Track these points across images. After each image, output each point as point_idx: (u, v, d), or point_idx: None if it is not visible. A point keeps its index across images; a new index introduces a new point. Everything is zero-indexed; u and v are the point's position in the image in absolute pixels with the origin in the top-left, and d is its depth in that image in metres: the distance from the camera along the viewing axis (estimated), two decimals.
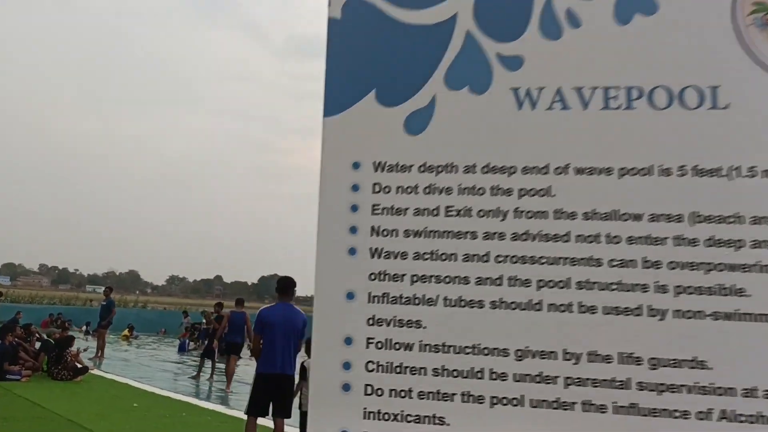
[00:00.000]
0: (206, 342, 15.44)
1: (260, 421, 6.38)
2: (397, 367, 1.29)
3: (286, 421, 6.16)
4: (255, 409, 6.16)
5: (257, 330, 6.32)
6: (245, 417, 6.26)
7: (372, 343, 1.31)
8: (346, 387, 1.30)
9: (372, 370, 1.30)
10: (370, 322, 1.31)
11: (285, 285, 6.42)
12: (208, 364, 14.44)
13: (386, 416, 1.27)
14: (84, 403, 9.56)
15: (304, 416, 6.34)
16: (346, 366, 1.31)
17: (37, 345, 13.13)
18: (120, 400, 9.92)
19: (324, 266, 1.36)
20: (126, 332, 24.89)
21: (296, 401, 6.36)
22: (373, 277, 1.33)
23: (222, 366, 14.65)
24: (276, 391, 6.07)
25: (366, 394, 1.29)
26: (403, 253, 1.33)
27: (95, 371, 13.13)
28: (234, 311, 13.68)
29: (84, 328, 25.75)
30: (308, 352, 6.69)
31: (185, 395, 11.33)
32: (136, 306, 42.93)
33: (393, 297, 1.32)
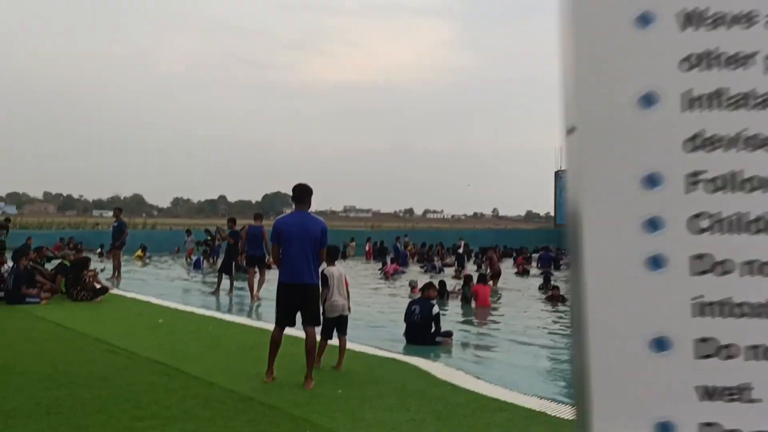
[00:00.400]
0: (222, 258, 15.27)
1: (293, 332, 6.17)
2: None
3: None
4: (280, 320, 5.93)
5: (273, 240, 6.02)
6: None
7: None
8: None
9: None
10: None
11: (301, 192, 6.05)
12: (226, 280, 14.32)
13: None
14: (108, 321, 9.40)
15: (323, 325, 6.31)
16: None
17: (52, 265, 12.94)
18: (144, 318, 9.77)
19: None
20: (139, 253, 24.86)
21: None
22: None
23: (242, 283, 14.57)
24: (299, 300, 5.83)
25: None
26: None
27: (115, 291, 13.00)
28: (252, 225, 13.50)
29: (99, 251, 25.70)
30: (329, 260, 6.40)
31: (208, 310, 11.23)
32: (145, 228, 42.99)
33: None
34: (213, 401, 5.17)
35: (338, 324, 6.62)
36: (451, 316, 11.78)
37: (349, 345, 7.68)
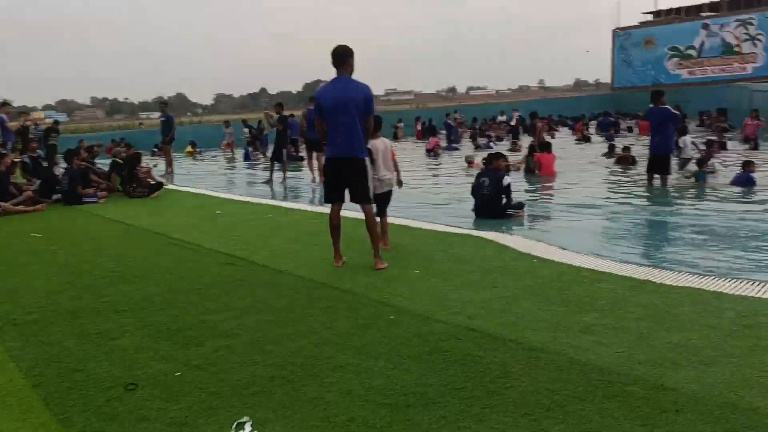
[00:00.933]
0: (273, 146, 14.82)
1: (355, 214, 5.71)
2: None
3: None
4: (327, 195, 5.47)
5: (317, 113, 5.39)
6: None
7: None
8: None
9: None
10: None
11: (338, 55, 5.24)
12: (278, 168, 13.98)
13: None
14: (167, 215, 9.23)
15: (373, 200, 5.52)
16: None
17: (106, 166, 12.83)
18: (202, 209, 9.55)
19: None
20: (189, 149, 24.79)
21: None
22: None
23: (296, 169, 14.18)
24: (347, 176, 5.29)
25: None
26: None
27: (170, 186, 12.87)
28: (310, 109, 12.90)
29: (154, 150, 25.77)
30: (377, 129, 5.71)
31: (265, 198, 10.96)
32: (192, 125, 42.91)
33: None
34: (285, 289, 4.85)
35: (385, 201, 6.07)
36: (517, 187, 11.17)
37: (418, 224, 7.29)
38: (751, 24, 30.69)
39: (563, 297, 4.28)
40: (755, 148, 15.52)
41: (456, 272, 5.10)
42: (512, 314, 3.98)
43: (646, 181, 10.47)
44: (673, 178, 10.57)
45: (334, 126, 5.23)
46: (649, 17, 37.68)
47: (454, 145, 21.06)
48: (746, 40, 30.94)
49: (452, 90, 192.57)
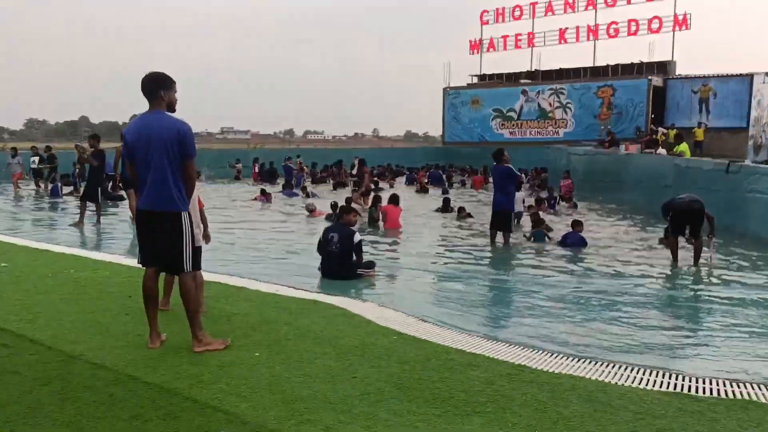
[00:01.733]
0: (86, 183, 12.81)
1: None
2: None
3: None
4: (140, 255, 4.36)
5: (125, 153, 4.26)
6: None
7: None
8: None
9: None
10: None
11: (148, 85, 4.18)
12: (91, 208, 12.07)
13: None
14: None
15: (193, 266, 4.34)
16: None
17: None
18: None
19: None
20: None
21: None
22: None
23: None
24: (158, 233, 4.20)
25: None
26: None
27: None
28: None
29: None
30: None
31: (70, 247, 9.14)
32: None
33: None
34: (76, 387, 3.59)
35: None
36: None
37: (257, 285, 6.30)
38: (562, 93, 34.27)
39: (437, 393, 3.57)
40: (574, 206, 16.58)
41: (306, 354, 4.20)
42: (381, 422, 3.17)
43: (489, 239, 10.47)
44: (513, 236, 10.66)
45: (142, 170, 4.14)
46: (476, 80, 40.63)
47: (295, 191, 20.20)
48: (558, 107, 34.43)
49: (290, 132, 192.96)
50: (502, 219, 10.14)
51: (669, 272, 8.44)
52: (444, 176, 25.42)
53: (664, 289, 7.57)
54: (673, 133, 29.19)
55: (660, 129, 29.54)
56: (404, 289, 7.16)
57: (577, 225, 10.78)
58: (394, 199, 12.57)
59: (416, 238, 11.28)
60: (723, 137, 29.69)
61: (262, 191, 17.77)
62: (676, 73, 33.59)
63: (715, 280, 7.97)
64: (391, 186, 23.60)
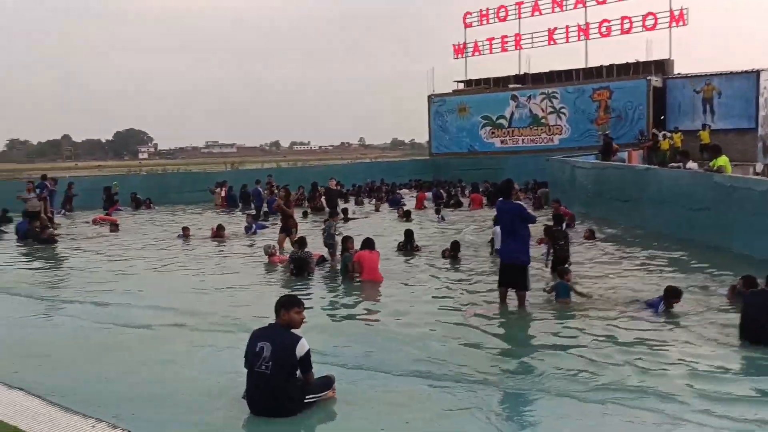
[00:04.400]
0: None
1: None
2: None
3: None
4: None
5: None
6: None
7: None
8: None
9: None
10: None
11: None
12: None
13: None
14: None
15: None
16: None
17: None
18: None
19: None
20: None
21: None
22: None
23: None
24: None
25: None
26: None
27: None
28: None
29: None
30: None
31: None
32: None
33: None
34: None
35: None
36: (325, 305, 8.01)
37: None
38: (555, 97, 31.94)
39: None
40: (591, 236, 13.04)
41: None
42: None
43: (498, 298, 7.92)
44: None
45: None
46: (461, 86, 38.27)
47: (263, 222, 17.48)
48: (551, 112, 32.09)
49: (276, 144, 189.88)
50: (515, 274, 7.62)
51: None
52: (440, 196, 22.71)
53: None
54: (678, 137, 26.93)
55: (663, 133, 27.28)
56: (389, 419, 4.53)
57: (564, 274, 8.16)
58: (369, 243, 9.98)
59: (402, 300, 8.62)
60: (730, 139, 27.42)
61: (218, 228, 15.03)
62: (675, 72, 31.41)
63: None
64: (377, 209, 20.98)
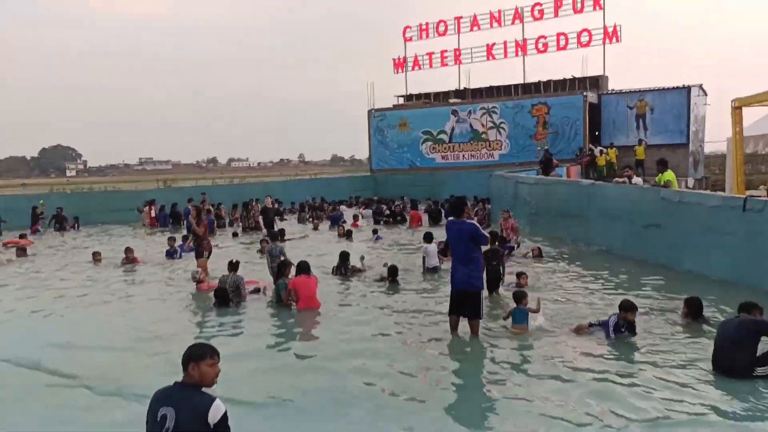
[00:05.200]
0: None
1: None
2: None
3: None
4: None
5: None
6: None
7: None
8: None
9: None
10: None
11: None
12: None
13: None
14: None
15: None
16: None
17: None
18: None
19: None
20: None
21: None
22: None
23: None
24: None
25: None
26: None
27: None
28: None
29: None
30: None
31: None
32: None
33: None
34: None
35: None
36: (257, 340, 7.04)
37: None
38: (495, 112, 31.95)
39: None
40: (539, 255, 12.48)
41: None
42: None
43: (449, 327, 7.19)
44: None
45: None
46: (402, 100, 37.94)
47: (184, 245, 16.01)
48: (492, 127, 32.07)
49: (213, 161, 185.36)
50: (470, 301, 6.91)
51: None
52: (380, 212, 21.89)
53: None
54: (613, 152, 27.30)
55: (600, 148, 27.63)
56: None
57: (522, 297, 7.50)
58: (304, 268, 9.06)
59: (346, 329, 7.77)
60: (662, 154, 27.97)
61: (126, 251, 13.71)
62: (609, 88, 32.06)
63: None
64: (315, 228, 20.01)
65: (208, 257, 11.38)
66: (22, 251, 14.94)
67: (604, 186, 13.55)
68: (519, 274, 9.62)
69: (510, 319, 7.41)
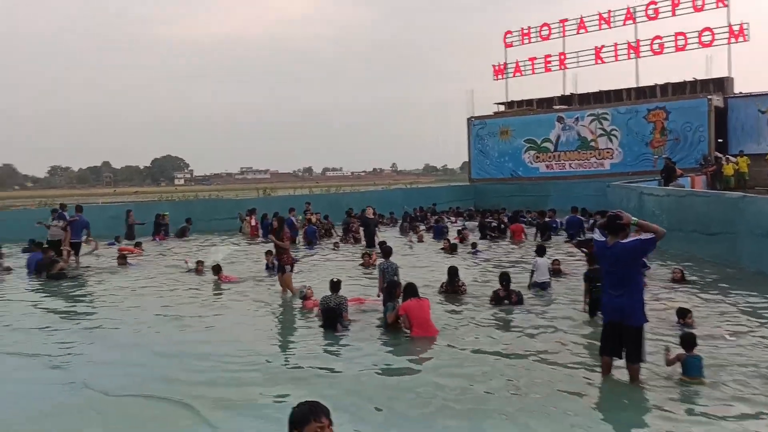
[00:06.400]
0: None
1: None
2: None
3: None
4: None
5: None
6: None
7: None
8: None
9: None
10: None
11: None
12: None
13: None
14: None
15: None
16: None
17: None
18: None
19: None
20: None
21: None
22: None
23: None
24: None
25: None
26: None
27: None
28: None
29: None
30: None
31: None
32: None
33: None
34: None
35: None
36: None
37: None
38: (606, 119, 29.87)
39: None
40: (681, 279, 10.85)
41: None
42: None
43: (601, 369, 6.01)
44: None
45: None
46: (503, 108, 36.53)
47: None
48: (601, 135, 30.01)
49: (309, 170, 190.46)
50: (628, 338, 5.69)
51: None
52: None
53: None
54: (744, 161, 24.64)
55: (726, 157, 25.02)
56: None
57: (694, 341, 6.05)
58: (412, 290, 8.17)
59: (457, 353, 6.80)
60: None
61: (197, 263, 13.61)
62: (736, 91, 29.14)
63: None
64: (420, 240, 18.94)
65: (292, 270, 10.80)
66: (123, 259, 15.04)
67: (756, 199, 11.73)
68: (683, 313, 7.98)
69: (675, 367, 6.05)
